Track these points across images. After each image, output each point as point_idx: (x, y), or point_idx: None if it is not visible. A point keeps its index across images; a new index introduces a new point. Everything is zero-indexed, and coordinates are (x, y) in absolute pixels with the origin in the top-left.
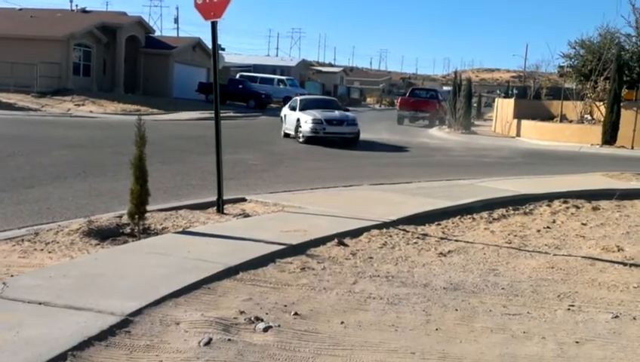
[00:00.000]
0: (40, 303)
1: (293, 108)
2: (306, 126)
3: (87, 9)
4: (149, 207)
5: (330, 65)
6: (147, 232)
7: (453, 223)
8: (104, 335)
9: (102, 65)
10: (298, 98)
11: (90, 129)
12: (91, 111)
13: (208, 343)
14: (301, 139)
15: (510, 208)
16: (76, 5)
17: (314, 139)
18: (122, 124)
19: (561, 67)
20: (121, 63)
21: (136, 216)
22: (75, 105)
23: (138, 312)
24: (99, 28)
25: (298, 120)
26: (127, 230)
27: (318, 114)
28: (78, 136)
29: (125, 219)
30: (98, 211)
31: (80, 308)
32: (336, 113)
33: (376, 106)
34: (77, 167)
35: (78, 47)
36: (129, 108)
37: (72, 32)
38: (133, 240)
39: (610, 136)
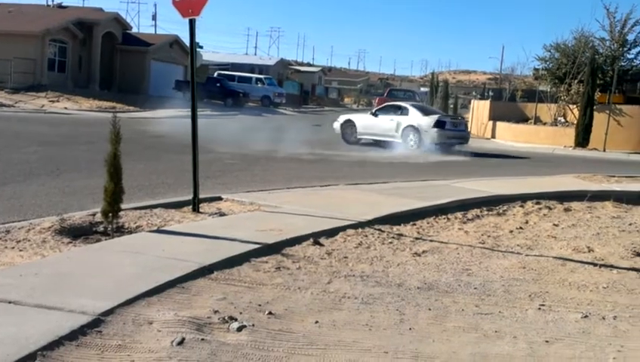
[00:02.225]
0: (10, 302)
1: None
2: None
3: (64, 4)
4: (123, 206)
5: (309, 64)
6: (121, 231)
7: (428, 223)
8: (75, 335)
9: (77, 61)
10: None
11: (65, 126)
12: (66, 108)
13: (181, 343)
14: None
15: (484, 209)
16: (52, 0)
17: None
18: (97, 121)
19: (536, 70)
20: (97, 60)
21: (110, 215)
22: (50, 101)
23: (110, 312)
24: (75, 24)
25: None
26: (101, 228)
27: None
28: (52, 132)
29: (99, 218)
30: (71, 209)
31: (51, 307)
32: None
33: (354, 106)
34: (50, 164)
35: (53, 42)
36: (104, 105)
37: (48, 28)
38: (106, 239)
39: (582, 138)
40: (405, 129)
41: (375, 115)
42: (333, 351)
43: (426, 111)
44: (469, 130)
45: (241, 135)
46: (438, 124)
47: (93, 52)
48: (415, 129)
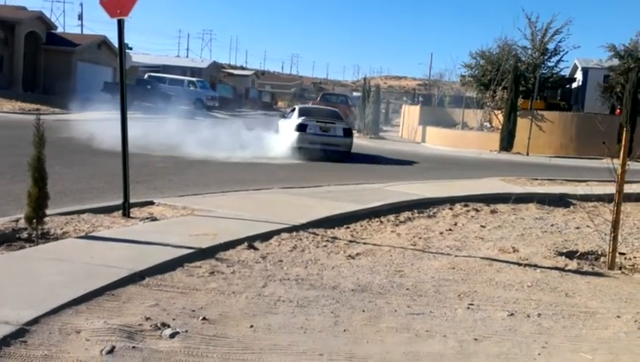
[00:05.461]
0: None
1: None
2: None
3: None
4: (48, 211)
5: (242, 68)
6: (46, 237)
7: (361, 226)
8: None
9: None
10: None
11: None
12: None
13: (111, 351)
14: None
15: (415, 211)
16: None
17: None
18: (20, 124)
19: (463, 76)
20: (20, 60)
21: (35, 221)
22: None
23: (35, 321)
24: None
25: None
26: (25, 235)
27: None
28: None
29: (22, 224)
30: None
31: None
32: None
33: (288, 110)
34: None
35: None
36: (28, 107)
37: None
38: (30, 246)
39: (507, 142)
40: (288, 131)
41: (284, 118)
42: (269, 355)
43: (303, 114)
44: (350, 136)
45: (172, 138)
46: (299, 128)
47: (15, 52)
48: (286, 132)
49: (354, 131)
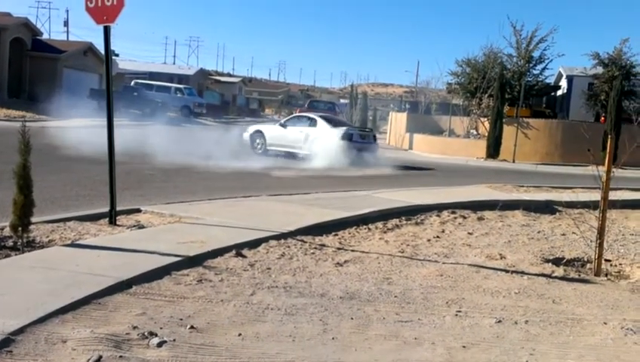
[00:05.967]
0: None
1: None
2: None
3: None
4: (34, 219)
5: (229, 75)
6: (32, 245)
7: (349, 233)
8: None
9: None
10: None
11: None
12: None
13: (98, 361)
14: None
15: (403, 218)
16: None
17: None
18: (5, 131)
19: (449, 84)
20: (5, 67)
21: (20, 229)
22: None
23: (21, 331)
24: None
25: None
26: (10, 243)
27: None
28: None
29: (7, 232)
30: None
31: None
32: None
33: (276, 117)
34: None
35: None
36: (13, 114)
37: None
38: (16, 254)
39: (493, 150)
40: (314, 141)
41: (284, 126)
42: None
43: (333, 123)
44: (376, 142)
45: (159, 145)
46: (346, 137)
47: (0, 58)
48: (323, 141)
49: None
